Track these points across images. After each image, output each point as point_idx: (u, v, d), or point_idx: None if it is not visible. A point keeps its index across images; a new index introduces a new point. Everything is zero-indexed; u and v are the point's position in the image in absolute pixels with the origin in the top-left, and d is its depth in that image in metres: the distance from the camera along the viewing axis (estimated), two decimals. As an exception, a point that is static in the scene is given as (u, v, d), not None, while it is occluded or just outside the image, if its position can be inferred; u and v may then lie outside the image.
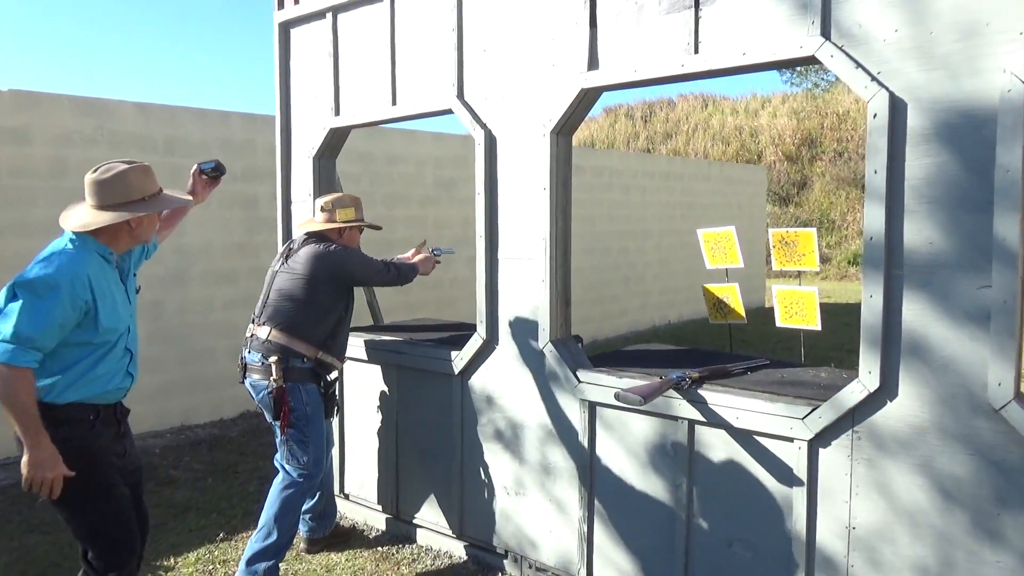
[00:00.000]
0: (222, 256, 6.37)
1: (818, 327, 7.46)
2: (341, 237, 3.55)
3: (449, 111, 3.43)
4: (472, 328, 4.26)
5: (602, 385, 2.95)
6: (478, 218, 3.33)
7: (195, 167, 3.05)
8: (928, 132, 2.20)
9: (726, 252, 8.06)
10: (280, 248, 4.04)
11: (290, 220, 4.27)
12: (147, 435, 5.80)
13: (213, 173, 3.03)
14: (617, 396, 2.56)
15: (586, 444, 3.03)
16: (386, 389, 3.84)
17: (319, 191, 4.06)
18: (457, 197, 8.44)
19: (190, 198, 2.81)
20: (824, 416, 2.40)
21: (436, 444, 3.64)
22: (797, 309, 7.61)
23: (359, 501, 4.05)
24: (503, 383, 3.32)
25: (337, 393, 3.91)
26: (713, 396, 2.64)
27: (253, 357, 3.42)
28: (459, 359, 3.45)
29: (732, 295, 8.07)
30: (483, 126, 3.29)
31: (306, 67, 4.07)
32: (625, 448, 2.92)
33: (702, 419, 2.66)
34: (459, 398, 3.50)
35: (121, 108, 5.78)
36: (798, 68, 32.33)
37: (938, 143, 2.19)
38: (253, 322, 3.52)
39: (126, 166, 2.53)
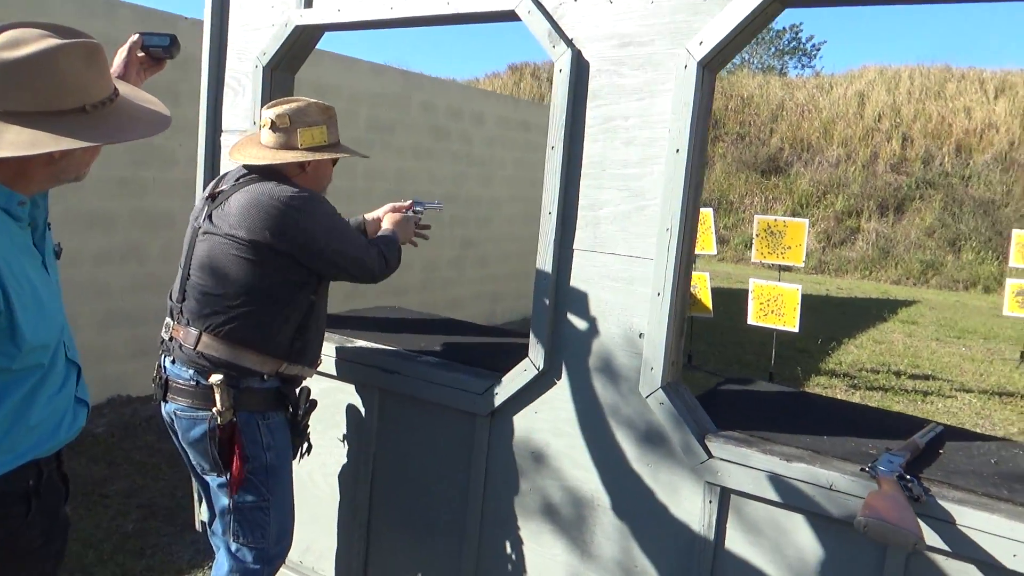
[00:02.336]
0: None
1: (796, 328, 6.79)
2: (304, 173, 2.24)
3: (511, 14, 2.21)
4: (491, 333, 3.10)
5: (749, 467, 1.90)
6: (547, 186, 2.16)
7: (135, 37, 1.85)
8: None
9: (698, 236, 7.20)
10: (200, 193, 2.70)
11: (216, 157, 2.92)
12: None
13: (163, 54, 1.88)
14: (867, 527, 1.50)
15: (707, 550, 1.98)
16: (361, 417, 2.63)
17: (271, 118, 2.74)
18: (393, 144, 7.08)
19: (167, 116, 1.51)
20: None
21: (436, 510, 2.48)
22: (775, 307, 6.85)
23: (304, 572, 2.83)
24: (566, 436, 2.20)
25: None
26: (964, 513, 1.65)
27: (180, 372, 2.12)
28: (495, 393, 2.29)
29: (701, 285, 7.25)
30: (568, 43, 2.11)
31: (261, -71, 2.71)
32: (782, 567, 1.90)
33: (944, 547, 1.67)
34: (484, 448, 2.35)
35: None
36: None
37: None
38: (171, 315, 2.20)
39: (57, 42, 1.29)
